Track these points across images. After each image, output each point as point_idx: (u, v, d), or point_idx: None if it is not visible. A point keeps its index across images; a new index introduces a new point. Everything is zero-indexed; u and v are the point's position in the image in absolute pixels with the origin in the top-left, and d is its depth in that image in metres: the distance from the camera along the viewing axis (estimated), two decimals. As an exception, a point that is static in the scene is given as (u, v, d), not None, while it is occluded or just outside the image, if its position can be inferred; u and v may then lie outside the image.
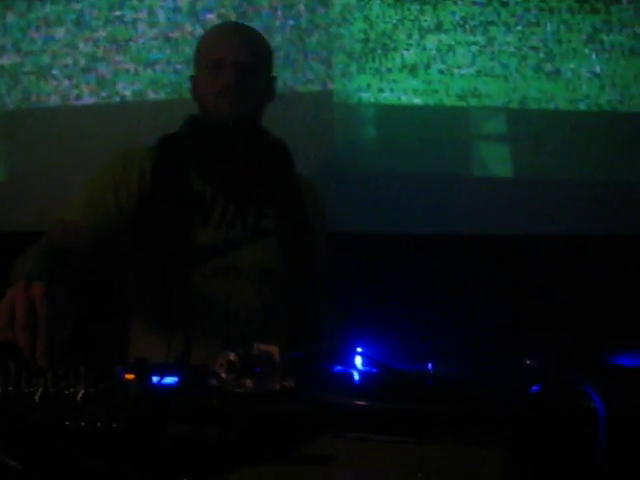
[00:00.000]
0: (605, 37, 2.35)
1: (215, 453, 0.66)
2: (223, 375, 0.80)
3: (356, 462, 0.65)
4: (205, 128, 1.62)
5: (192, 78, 1.72)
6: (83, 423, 0.75)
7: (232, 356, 0.80)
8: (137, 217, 1.53)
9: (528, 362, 0.80)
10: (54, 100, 2.37)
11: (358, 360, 0.99)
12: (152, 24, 2.37)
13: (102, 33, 2.37)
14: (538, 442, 0.61)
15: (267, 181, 1.64)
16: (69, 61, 2.37)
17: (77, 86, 2.36)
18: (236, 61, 1.60)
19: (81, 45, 2.37)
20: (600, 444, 0.56)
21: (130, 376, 0.89)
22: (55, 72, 2.37)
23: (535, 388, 0.64)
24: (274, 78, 1.76)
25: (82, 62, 2.37)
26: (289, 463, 0.64)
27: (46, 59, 2.37)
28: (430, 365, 0.90)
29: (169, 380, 0.93)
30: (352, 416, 0.72)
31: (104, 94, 2.35)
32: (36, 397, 0.83)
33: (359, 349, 1.01)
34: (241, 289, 1.54)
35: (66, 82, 2.37)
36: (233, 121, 1.58)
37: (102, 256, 1.51)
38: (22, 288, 1.02)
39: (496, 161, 2.36)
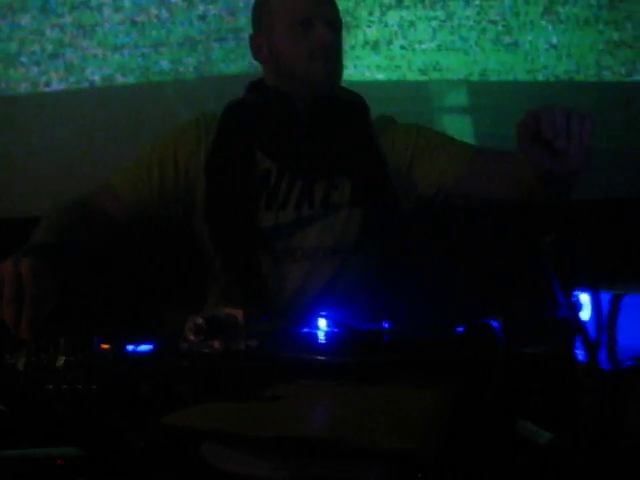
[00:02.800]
0: (561, 9, 2.41)
1: (184, 405, 0.74)
2: (192, 337, 0.87)
3: (303, 402, 0.72)
4: (279, 96, 1.45)
5: (253, 38, 1.53)
6: (65, 386, 0.82)
7: (200, 320, 0.87)
8: (205, 199, 1.46)
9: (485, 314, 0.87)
10: (24, 87, 2.40)
11: (322, 322, 1.07)
12: (118, 8, 2.40)
13: (68, 19, 2.39)
14: (460, 381, 0.69)
15: (339, 148, 1.46)
16: (36, 48, 2.39)
17: (46, 72, 2.39)
18: (328, 18, 1.45)
19: (48, 31, 2.39)
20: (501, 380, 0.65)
21: (106, 346, 0.96)
22: (23, 59, 2.40)
23: (459, 329, 0.72)
24: None
25: (50, 48, 2.39)
26: (241, 403, 0.71)
27: (13, 46, 2.39)
28: (386, 323, 0.98)
29: (144, 347, 1.00)
30: (307, 368, 0.80)
31: (73, 80, 2.39)
32: (19, 366, 0.90)
33: (323, 312, 1.09)
34: (308, 270, 1.45)
35: (35, 69, 2.40)
36: (327, 86, 1.45)
37: (130, 229, 1.48)
38: (10, 264, 1.08)
39: (459, 132, 2.42)
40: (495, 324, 0.70)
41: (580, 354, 0.69)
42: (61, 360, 0.91)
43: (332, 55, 1.46)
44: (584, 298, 0.71)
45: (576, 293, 0.71)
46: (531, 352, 0.72)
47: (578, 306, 0.72)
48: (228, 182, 1.45)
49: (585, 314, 0.71)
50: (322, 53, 1.43)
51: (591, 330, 0.70)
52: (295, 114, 1.45)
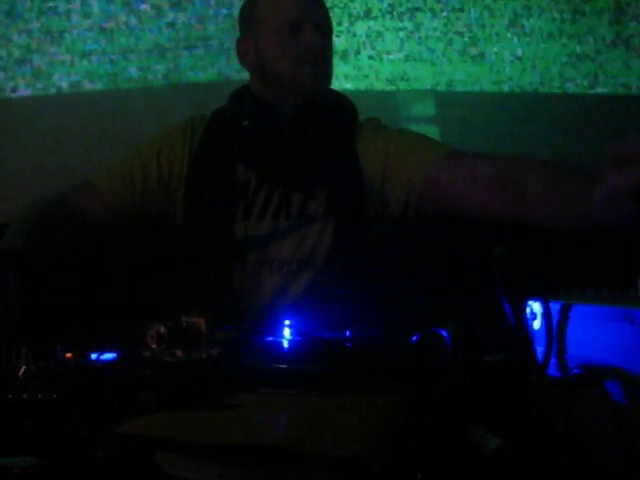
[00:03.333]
0: (525, 22, 2.46)
1: (145, 414, 0.74)
2: (154, 346, 0.87)
3: (262, 411, 0.73)
4: (261, 104, 1.41)
5: (240, 42, 1.48)
6: (25, 395, 0.82)
7: (162, 329, 0.88)
8: (183, 204, 1.44)
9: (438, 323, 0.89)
10: (-10, 93, 2.38)
11: (286, 331, 1.08)
12: (86, 15, 2.39)
13: (36, 24, 2.38)
14: (412, 388, 0.71)
15: (319, 158, 1.41)
16: (3, 53, 2.37)
17: (13, 78, 2.38)
18: (317, 22, 1.41)
19: (15, 37, 2.38)
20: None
21: (69, 355, 0.96)
22: (-10, 64, 2.38)
23: (414, 338, 0.74)
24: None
25: (17, 54, 2.38)
26: (200, 411, 0.72)
27: (-21, 51, 2.38)
28: (348, 332, 1.00)
29: (107, 356, 1.00)
30: (268, 377, 0.81)
31: (40, 86, 2.37)
32: (-20, 375, 0.89)
33: (287, 322, 1.10)
34: (283, 282, 1.42)
35: (1, 74, 2.38)
36: (314, 92, 1.40)
37: (110, 227, 1.46)
38: None
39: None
40: (444, 333, 0.72)
41: (531, 362, 0.71)
42: (22, 369, 0.91)
43: (320, 60, 1.42)
44: (536, 307, 0.73)
45: (529, 303, 0.74)
46: (485, 359, 0.74)
47: (531, 315, 0.74)
48: (206, 191, 1.43)
49: (537, 323, 0.73)
50: (310, 58, 1.39)
51: (542, 338, 0.72)
52: (277, 123, 1.41)
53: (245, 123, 1.41)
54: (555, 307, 0.73)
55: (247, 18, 1.49)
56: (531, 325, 0.73)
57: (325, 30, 1.44)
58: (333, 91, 1.50)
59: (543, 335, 0.72)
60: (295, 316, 1.11)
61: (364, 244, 1.42)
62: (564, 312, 0.71)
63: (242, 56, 1.48)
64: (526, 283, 0.71)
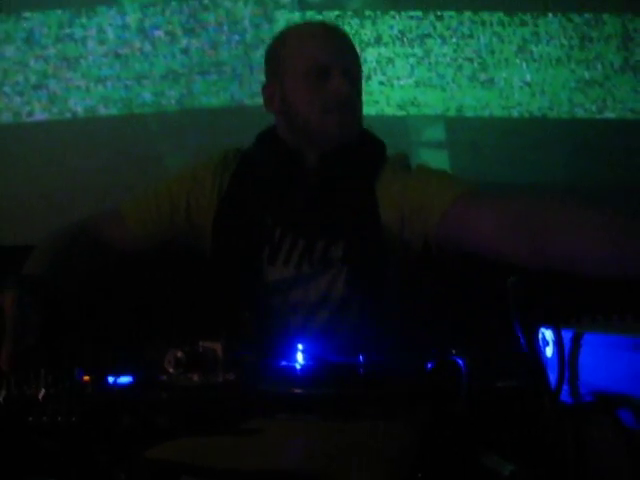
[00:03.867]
0: (534, 48, 2.49)
1: (163, 437, 0.75)
2: (171, 370, 0.89)
3: (281, 437, 0.75)
4: (287, 153, 1.41)
5: (266, 87, 1.46)
6: (45, 418, 0.84)
7: (179, 353, 0.89)
8: (212, 241, 1.44)
9: (454, 351, 0.91)
10: (6, 117, 2.42)
11: (300, 355, 1.10)
12: (102, 41, 2.44)
13: (52, 50, 2.42)
14: (428, 415, 0.72)
15: (342, 209, 1.40)
16: (20, 78, 2.42)
17: (29, 103, 2.42)
18: (346, 68, 1.37)
19: (32, 62, 2.42)
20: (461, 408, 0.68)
21: (87, 378, 0.97)
22: (6, 89, 2.42)
23: (430, 365, 0.75)
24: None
25: (33, 79, 2.42)
26: (220, 436, 0.73)
27: (-3, 77, 2.42)
28: (361, 357, 1.01)
29: (124, 380, 1.02)
30: (284, 402, 0.82)
31: (56, 110, 2.41)
32: (0, 399, 0.91)
33: (300, 346, 1.11)
34: (302, 322, 1.42)
35: (18, 99, 2.42)
36: (341, 140, 1.38)
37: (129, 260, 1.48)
38: None
39: (436, 166, 2.49)
40: (460, 361, 0.73)
41: (544, 389, 0.72)
42: (42, 392, 0.93)
43: (349, 107, 1.38)
44: (548, 335, 0.75)
45: (541, 330, 0.75)
46: (499, 386, 0.75)
47: (544, 343, 0.75)
48: (234, 234, 1.43)
49: (549, 350, 0.75)
50: (337, 105, 1.36)
51: (555, 365, 0.73)
52: (303, 175, 1.40)
53: (272, 172, 1.41)
54: (567, 335, 0.74)
55: (272, 62, 1.46)
56: (544, 352, 0.74)
57: (354, 75, 1.40)
58: (362, 133, 1.46)
59: (555, 362, 0.73)
60: (308, 342, 1.12)
61: (381, 287, 1.40)
62: (576, 340, 0.73)
63: (268, 102, 1.45)
64: (539, 311, 0.72)
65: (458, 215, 1.29)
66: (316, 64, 1.37)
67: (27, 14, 2.42)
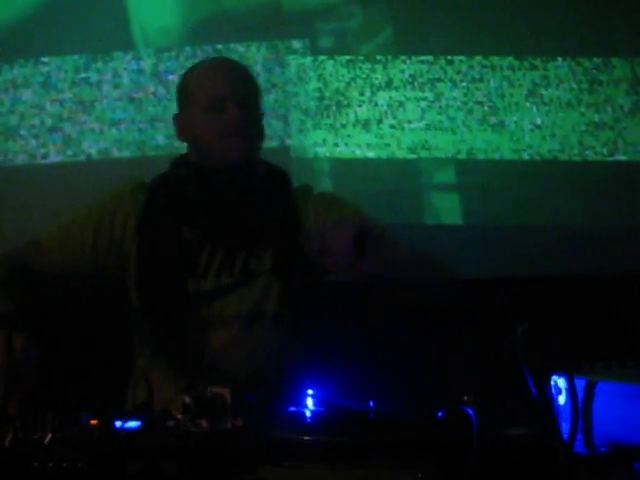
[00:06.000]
0: (544, 91, 2.51)
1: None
2: (179, 416, 0.88)
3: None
4: (200, 171, 1.54)
5: (177, 117, 1.61)
6: (51, 464, 0.82)
7: (187, 399, 0.88)
8: (134, 266, 1.54)
9: (465, 398, 0.89)
10: (21, 159, 2.45)
11: (309, 401, 1.08)
12: (116, 85, 2.48)
13: (68, 94, 2.46)
14: (437, 464, 0.71)
15: (260, 220, 1.54)
16: (36, 121, 2.45)
17: (44, 145, 2.45)
18: (239, 99, 1.52)
19: (48, 106, 2.46)
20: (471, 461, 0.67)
21: (94, 421, 0.96)
22: (23, 132, 2.46)
23: (440, 414, 0.74)
24: (263, 115, 1.66)
25: (49, 122, 2.45)
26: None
27: (14, 120, 2.45)
28: (372, 403, 1.00)
29: (132, 424, 1.01)
30: (294, 449, 0.81)
31: (70, 153, 2.44)
32: (5, 442, 0.90)
33: (310, 391, 1.10)
34: (227, 338, 1.51)
35: (33, 142, 2.45)
36: (239, 163, 1.52)
37: (64, 286, 1.57)
38: (2, 339, 1.09)
39: (447, 209, 2.49)
40: (470, 410, 0.72)
41: (557, 438, 0.70)
42: (48, 436, 0.92)
43: (244, 132, 1.53)
44: (561, 383, 0.73)
45: (554, 378, 0.74)
46: (510, 434, 0.73)
47: (556, 390, 0.74)
48: (155, 251, 1.54)
49: (562, 398, 0.73)
50: (232, 132, 1.51)
51: (568, 415, 0.72)
52: (214, 189, 1.53)
53: (185, 188, 1.54)
54: (580, 384, 0.73)
55: (181, 96, 1.61)
56: (556, 400, 0.73)
57: (248, 105, 1.54)
58: (266, 162, 1.62)
59: (568, 410, 0.72)
60: (318, 386, 1.11)
61: (315, 300, 1.51)
62: (589, 389, 0.71)
63: (178, 131, 1.61)
64: (550, 359, 0.71)
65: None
66: (213, 97, 1.53)
67: (45, 59, 2.46)
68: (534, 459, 0.72)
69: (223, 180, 1.52)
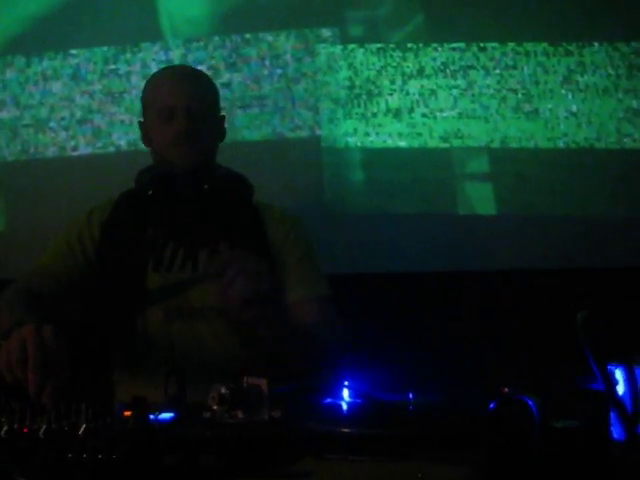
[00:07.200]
0: (579, 78, 2.44)
1: (208, 477, 0.72)
2: (215, 407, 0.85)
3: (334, 478, 0.70)
4: (157, 177, 1.63)
5: (141, 124, 1.74)
6: (85, 455, 0.81)
7: (223, 389, 0.86)
8: (98, 266, 1.63)
9: (506, 389, 0.86)
10: (52, 151, 2.45)
11: (345, 392, 1.05)
12: (145, 76, 2.45)
13: (97, 86, 2.46)
14: (497, 455, 0.67)
15: (220, 219, 1.64)
16: (66, 113, 2.45)
17: (74, 137, 2.45)
18: (188, 108, 1.61)
19: (77, 98, 2.46)
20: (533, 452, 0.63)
21: (128, 413, 0.94)
22: (52, 124, 2.46)
23: (492, 405, 0.70)
24: (223, 117, 1.77)
25: (78, 114, 2.45)
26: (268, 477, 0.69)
27: (44, 112, 2.46)
28: (411, 394, 0.97)
29: (165, 415, 0.99)
30: (333, 441, 0.78)
31: (100, 144, 2.44)
32: (40, 434, 0.88)
33: (346, 382, 1.07)
34: (196, 329, 1.58)
35: (63, 134, 2.45)
36: (186, 170, 1.60)
37: (76, 300, 1.64)
38: (33, 329, 1.09)
39: (480, 199, 2.44)
40: (529, 401, 0.68)
41: (615, 429, 0.67)
42: (81, 427, 0.90)
43: (193, 140, 1.62)
44: (618, 373, 0.70)
45: (611, 367, 0.70)
46: (564, 427, 0.70)
47: (614, 380, 0.70)
48: (118, 247, 1.64)
49: (620, 388, 0.69)
50: (183, 140, 1.61)
51: (627, 404, 0.68)
52: (173, 191, 1.60)
53: (149, 191, 1.62)
54: (639, 372, 0.69)
55: (143, 104, 1.73)
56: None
57: (197, 112, 1.63)
58: (227, 167, 1.71)
59: (627, 401, 0.68)
60: (354, 377, 1.08)
61: (277, 294, 1.53)
62: (649, 379, 0.67)
63: (142, 137, 1.74)
64: (609, 347, 0.67)
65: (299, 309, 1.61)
66: (163, 107, 1.64)
67: (74, 51, 2.46)
68: (590, 451, 0.68)
69: (178, 183, 1.60)
